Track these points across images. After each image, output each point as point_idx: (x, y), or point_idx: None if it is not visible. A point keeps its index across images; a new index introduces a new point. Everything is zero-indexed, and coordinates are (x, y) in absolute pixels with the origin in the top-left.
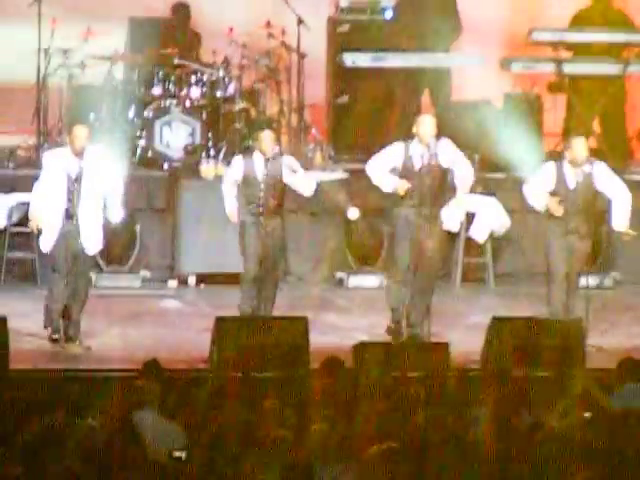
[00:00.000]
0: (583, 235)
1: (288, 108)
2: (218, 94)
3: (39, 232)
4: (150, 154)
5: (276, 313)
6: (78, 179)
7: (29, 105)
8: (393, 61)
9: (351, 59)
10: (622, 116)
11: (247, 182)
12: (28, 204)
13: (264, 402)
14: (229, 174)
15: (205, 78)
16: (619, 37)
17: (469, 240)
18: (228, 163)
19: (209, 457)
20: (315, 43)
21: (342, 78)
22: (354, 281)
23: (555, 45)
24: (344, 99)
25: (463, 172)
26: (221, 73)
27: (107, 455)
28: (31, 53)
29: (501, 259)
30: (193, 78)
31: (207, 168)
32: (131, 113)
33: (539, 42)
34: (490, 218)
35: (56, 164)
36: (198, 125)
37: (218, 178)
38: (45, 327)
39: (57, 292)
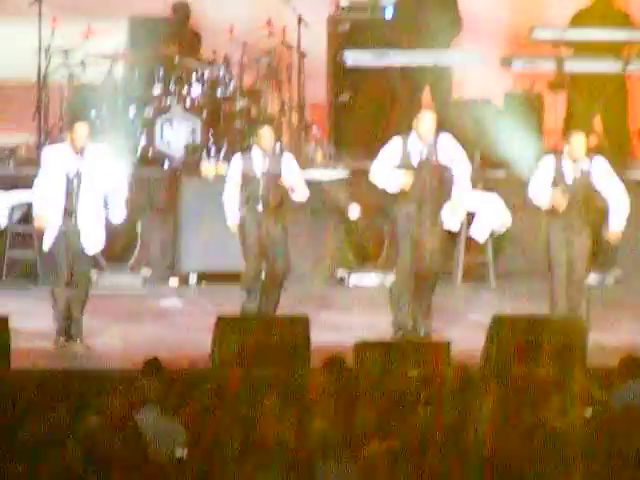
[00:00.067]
0: (579, 230)
1: (289, 107)
2: (219, 93)
3: (42, 231)
4: (151, 153)
5: (277, 312)
6: (77, 177)
7: (30, 104)
8: (394, 59)
9: (352, 58)
10: (623, 114)
11: (247, 179)
12: (29, 203)
13: (265, 401)
14: (230, 176)
15: (206, 77)
16: (620, 35)
17: (470, 238)
18: (229, 162)
19: (210, 456)
20: (316, 42)
21: (343, 77)
22: (355, 280)
23: (556, 43)
24: (345, 98)
25: (461, 171)
26: (222, 72)
27: (108, 454)
28: (32, 52)
29: (502, 257)
30: (194, 77)
31: (208, 167)
32: (131, 112)
33: (540, 40)
34: (491, 217)
35: (55, 160)
36: (199, 124)
37: (219, 177)
38: (58, 334)
39: (58, 292)
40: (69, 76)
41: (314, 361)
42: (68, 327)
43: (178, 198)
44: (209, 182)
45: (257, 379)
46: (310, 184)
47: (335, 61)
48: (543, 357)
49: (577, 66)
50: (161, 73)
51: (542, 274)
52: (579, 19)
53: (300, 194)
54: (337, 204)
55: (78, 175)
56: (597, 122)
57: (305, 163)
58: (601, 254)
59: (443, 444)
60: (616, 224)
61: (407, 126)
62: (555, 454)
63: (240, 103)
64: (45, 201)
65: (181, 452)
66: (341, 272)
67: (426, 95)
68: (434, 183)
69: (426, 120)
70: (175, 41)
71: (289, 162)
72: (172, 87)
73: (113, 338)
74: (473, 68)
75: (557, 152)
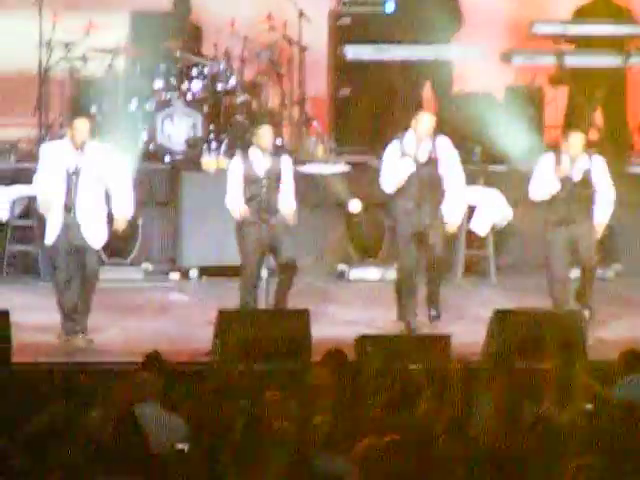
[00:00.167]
0: (581, 221)
1: (289, 101)
2: (219, 87)
3: (44, 225)
4: (152, 147)
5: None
6: (77, 173)
7: (31, 98)
8: (394, 54)
9: (352, 52)
10: (623, 108)
11: (249, 180)
12: (30, 197)
13: (266, 394)
14: (232, 180)
15: (206, 71)
16: (620, 29)
17: (471, 233)
18: (230, 156)
19: (211, 449)
20: (316, 36)
21: (343, 71)
22: (355, 274)
23: (556, 38)
24: (345, 92)
25: (455, 177)
26: (222, 66)
27: (109, 448)
28: (33, 46)
29: (503, 252)
30: (194, 71)
31: (209, 161)
32: (133, 106)
33: (540, 35)
34: (492, 211)
35: (53, 157)
36: (200, 118)
37: (220, 171)
38: (67, 334)
39: (60, 288)
40: (70, 70)
41: (315, 355)
42: (72, 321)
43: (179, 192)
44: (210, 176)
45: (258, 372)
46: (311, 178)
47: (336, 55)
48: (544, 351)
49: (577, 61)
50: (162, 67)
51: (543, 268)
52: (580, 14)
53: (286, 205)
54: (337, 198)
55: (77, 171)
56: (598, 116)
57: (306, 157)
58: (602, 248)
59: (444, 438)
60: (600, 218)
61: (407, 120)
62: (556, 448)
63: (241, 97)
64: (47, 194)
65: (182, 446)
66: (342, 266)
67: (427, 90)
68: (433, 182)
69: (425, 121)
70: (176, 35)
71: (286, 165)
72: (173, 81)
73: (114, 332)
74: (474, 62)
75: (557, 150)
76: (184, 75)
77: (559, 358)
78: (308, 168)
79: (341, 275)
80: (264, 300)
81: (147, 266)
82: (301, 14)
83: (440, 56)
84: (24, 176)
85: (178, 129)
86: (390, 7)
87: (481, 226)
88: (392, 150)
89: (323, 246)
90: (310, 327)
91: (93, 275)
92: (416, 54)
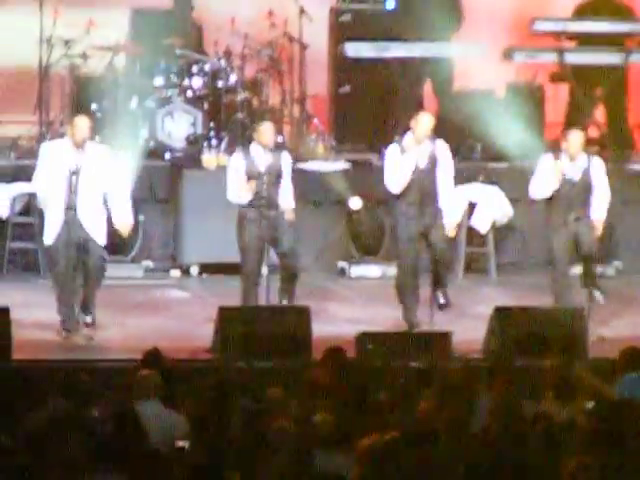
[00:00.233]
0: (581, 218)
1: (290, 98)
2: (220, 84)
3: (44, 223)
4: (152, 144)
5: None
6: (77, 172)
7: (31, 95)
8: (395, 51)
9: (353, 49)
10: (624, 106)
11: (250, 176)
12: (30, 194)
13: (267, 391)
14: (233, 177)
15: (207, 68)
16: (621, 27)
17: (471, 230)
18: (230, 153)
19: (212, 447)
20: (317, 33)
21: (344, 68)
22: (356, 271)
23: (557, 35)
24: (346, 89)
25: (448, 182)
26: (223, 63)
27: (110, 445)
28: (33, 43)
29: (503, 249)
30: (195, 68)
31: (209, 158)
32: (133, 104)
33: (541, 32)
34: (492, 208)
35: (53, 156)
36: (200, 115)
37: (220, 168)
38: (69, 331)
39: (60, 284)
40: (71, 68)
41: (315, 352)
42: (71, 318)
43: (179, 190)
44: (210, 174)
45: (259, 369)
46: (311, 176)
47: (336, 53)
48: (545, 349)
49: (578, 58)
50: (162, 65)
51: (543, 266)
52: (581, 11)
53: (285, 202)
54: (338, 195)
55: (78, 170)
56: (598, 114)
57: (306, 155)
58: (602, 246)
59: (445, 435)
60: (598, 215)
61: (407, 118)
62: (556, 445)
63: (241, 95)
64: (46, 192)
65: (182, 443)
66: (342, 263)
67: (428, 88)
68: (433, 185)
69: (424, 122)
70: (177, 33)
71: (286, 163)
72: (173, 79)
73: (114, 329)
74: (475, 60)
75: (557, 149)
76: (185, 72)
77: (560, 356)
78: (308, 166)
79: (342, 272)
80: (264, 297)
81: (148, 263)
82: (302, 11)
83: (441, 54)
84: (24, 173)
85: (178, 126)
86: (391, 4)
87: (482, 223)
88: (392, 152)
89: (324, 243)
90: (311, 324)
91: (98, 270)
92: (417, 52)
